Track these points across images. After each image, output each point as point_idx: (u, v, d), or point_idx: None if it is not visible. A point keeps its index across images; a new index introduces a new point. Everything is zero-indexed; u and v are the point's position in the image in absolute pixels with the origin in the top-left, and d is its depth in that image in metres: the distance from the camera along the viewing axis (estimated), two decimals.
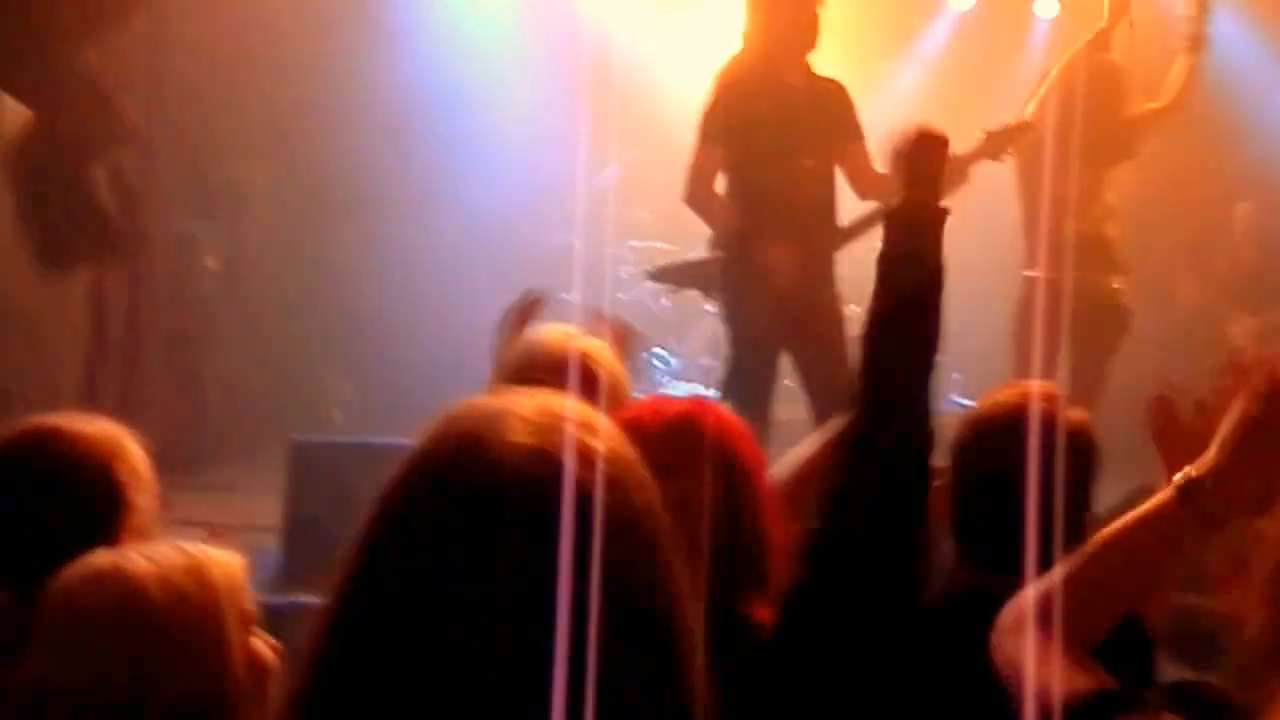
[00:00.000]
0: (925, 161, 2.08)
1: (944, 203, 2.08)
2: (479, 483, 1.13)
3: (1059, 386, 5.43)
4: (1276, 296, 8.28)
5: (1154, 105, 5.89)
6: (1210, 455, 1.63)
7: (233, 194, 9.00)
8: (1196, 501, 1.60)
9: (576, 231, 8.24)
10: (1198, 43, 5.75)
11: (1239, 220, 8.56)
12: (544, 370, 2.35)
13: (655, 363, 9.56)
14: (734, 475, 2.05)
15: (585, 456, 1.13)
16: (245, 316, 8.83)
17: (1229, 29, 8.37)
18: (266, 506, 5.76)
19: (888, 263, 2.03)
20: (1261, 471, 1.61)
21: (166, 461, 2.23)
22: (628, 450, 1.20)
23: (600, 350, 2.50)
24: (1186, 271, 8.41)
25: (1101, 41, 5.84)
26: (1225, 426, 1.63)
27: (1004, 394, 2.42)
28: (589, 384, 2.26)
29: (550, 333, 2.60)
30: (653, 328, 9.41)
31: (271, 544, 5.48)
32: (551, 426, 1.15)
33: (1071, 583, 1.62)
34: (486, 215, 9.18)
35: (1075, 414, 2.37)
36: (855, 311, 9.46)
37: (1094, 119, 5.52)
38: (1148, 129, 6.00)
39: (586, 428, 1.17)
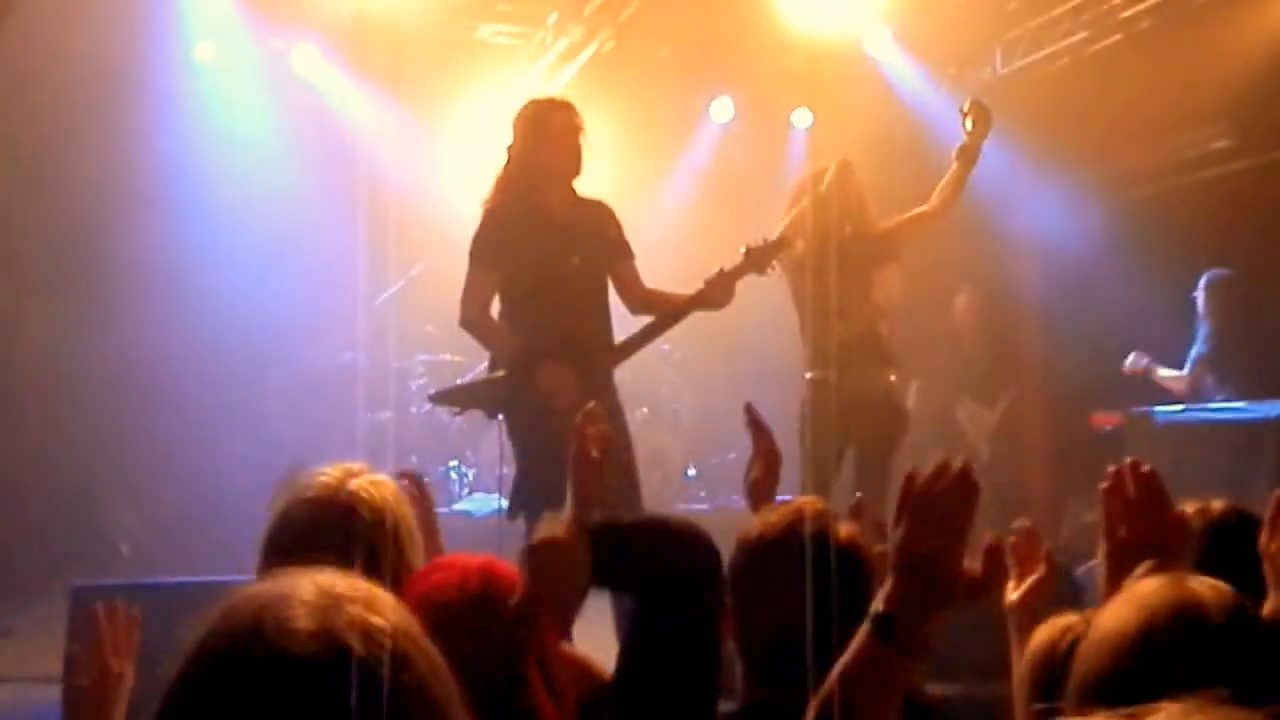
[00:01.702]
0: None
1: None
2: (263, 673, 1.12)
3: (843, 486, 5.70)
4: (999, 383, 8.80)
5: (922, 209, 6.16)
6: (887, 586, 1.74)
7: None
8: (889, 634, 1.70)
9: (359, 347, 8.26)
10: (971, 154, 6.04)
11: (960, 308, 9.06)
12: (313, 525, 2.37)
13: (451, 475, 9.57)
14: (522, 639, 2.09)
15: (368, 635, 1.14)
16: (19, 447, 8.48)
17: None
18: (49, 654, 5.52)
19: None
20: (932, 599, 1.72)
21: None
22: (410, 623, 1.20)
23: (377, 491, 2.47)
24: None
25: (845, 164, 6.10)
26: (890, 555, 1.75)
27: (775, 514, 2.44)
28: (364, 532, 2.32)
29: (328, 475, 2.52)
30: (447, 438, 9.45)
31: (52, 695, 5.23)
32: (332, 607, 1.15)
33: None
34: (273, 335, 9.08)
35: (845, 529, 2.41)
36: (644, 414, 9.60)
37: (848, 225, 5.81)
38: (911, 232, 6.24)
39: (367, 605, 1.17)
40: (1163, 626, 1.57)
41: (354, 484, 2.46)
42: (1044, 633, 2.04)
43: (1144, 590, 1.66)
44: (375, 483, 2.50)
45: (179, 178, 8.92)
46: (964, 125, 6.03)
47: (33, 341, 8.74)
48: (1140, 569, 1.98)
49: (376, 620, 1.16)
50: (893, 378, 6.15)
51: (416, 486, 2.90)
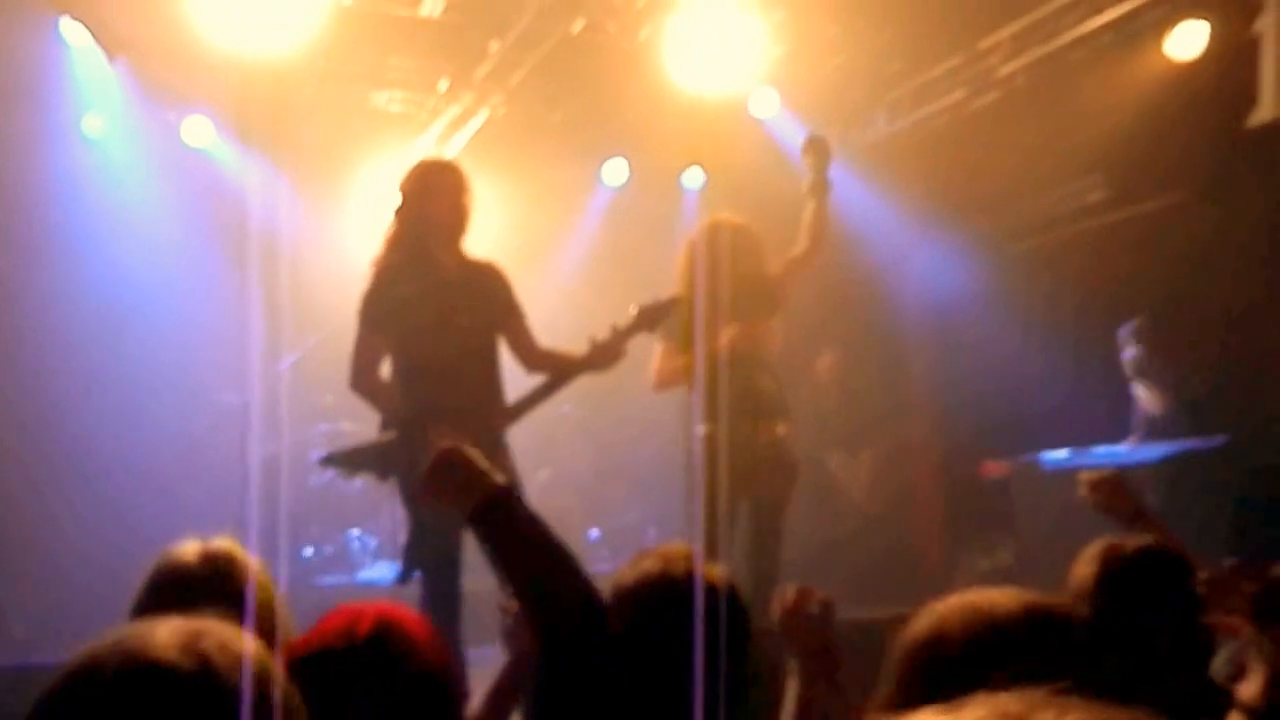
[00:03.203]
0: None
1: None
2: (126, 682, 1.12)
3: (729, 539, 5.70)
4: (861, 437, 8.96)
5: (795, 253, 6.19)
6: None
7: None
8: None
9: (252, 422, 8.15)
10: (820, 188, 6.16)
11: (822, 369, 9.26)
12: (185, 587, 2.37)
13: (354, 544, 9.52)
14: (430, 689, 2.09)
15: (231, 653, 1.15)
16: None
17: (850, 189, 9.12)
18: None
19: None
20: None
21: None
22: (272, 661, 1.21)
23: (247, 561, 2.49)
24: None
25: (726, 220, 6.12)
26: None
27: (646, 561, 2.45)
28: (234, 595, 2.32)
29: (196, 545, 2.55)
30: (348, 507, 9.38)
31: None
32: (195, 632, 1.16)
33: None
34: (166, 409, 8.98)
35: (713, 572, 2.42)
36: (546, 477, 9.58)
37: (738, 280, 5.79)
38: (792, 279, 6.22)
39: (231, 635, 1.19)
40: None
41: (217, 552, 2.50)
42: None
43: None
44: (243, 554, 2.52)
45: (70, 250, 8.83)
46: (805, 163, 6.17)
47: None
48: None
49: (239, 645, 1.17)
50: (781, 430, 6.08)
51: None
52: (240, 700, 1.10)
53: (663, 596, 2.32)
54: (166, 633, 1.16)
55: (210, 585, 2.37)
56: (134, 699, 1.11)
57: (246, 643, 1.19)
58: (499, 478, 2.53)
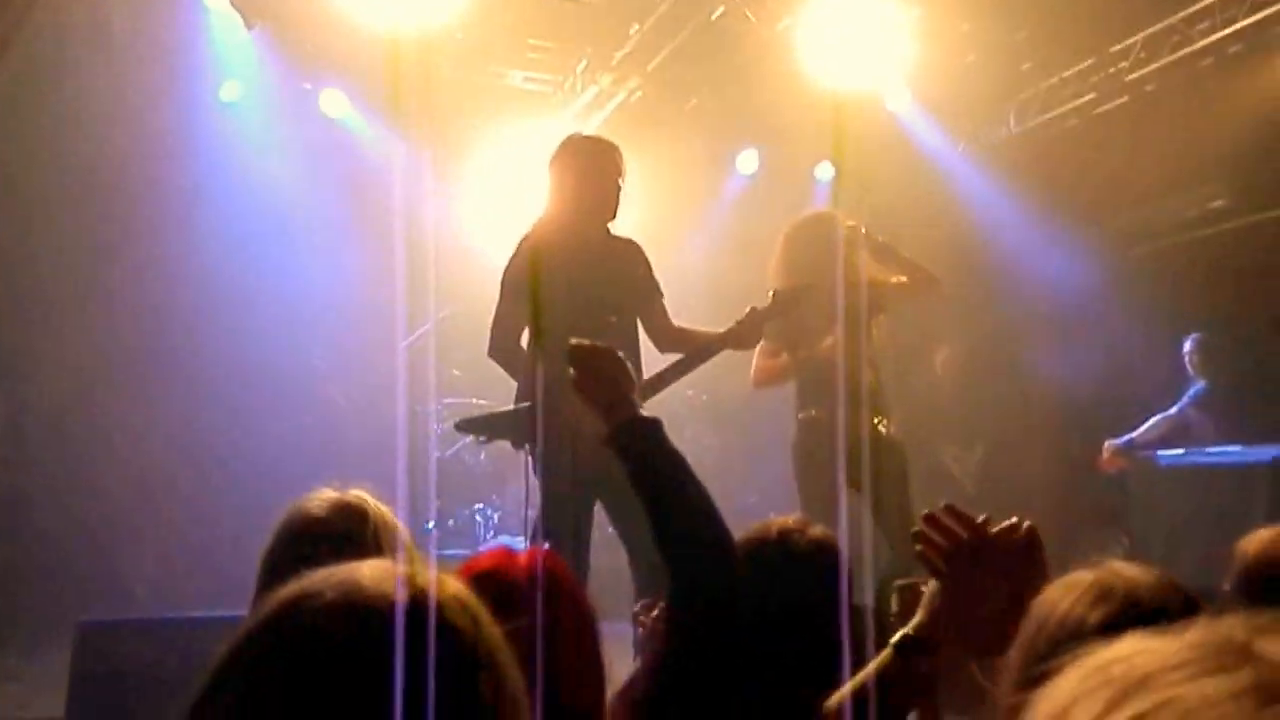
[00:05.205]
0: None
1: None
2: (346, 616, 1.10)
3: (847, 518, 5.73)
4: (975, 430, 8.97)
5: (898, 279, 6.08)
6: (918, 615, 1.95)
7: (17, 359, 8.56)
8: (909, 656, 1.91)
9: (399, 392, 8.22)
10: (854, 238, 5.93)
11: (939, 363, 9.29)
12: (322, 535, 2.38)
13: (477, 518, 9.57)
14: (571, 621, 2.12)
15: (447, 590, 1.14)
16: (31, 491, 8.31)
17: (978, 189, 9.18)
18: (54, 697, 5.16)
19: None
20: (956, 624, 1.91)
21: None
22: (468, 592, 1.21)
23: (381, 506, 2.51)
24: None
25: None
26: (929, 588, 1.94)
27: (753, 530, 2.61)
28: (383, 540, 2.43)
29: (329, 493, 2.54)
30: (472, 482, 9.48)
31: None
32: (400, 575, 1.14)
33: None
34: (294, 378, 9.11)
35: (816, 531, 2.59)
36: None
37: (844, 277, 5.78)
38: (895, 294, 6.13)
39: (437, 578, 1.16)
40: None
41: (352, 499, 2.48)
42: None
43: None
44: (371, 500, 2.51)
45: (208, 220, 8.97)
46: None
47: (46, 379, 8.59)
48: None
49: (452, 585, 1.16)
50: (882, 426, 6.02)
51: None
52: (458, 637, 1.11)
53: (775, 554, 2.49)
54: (375, 571, 1.14)
55: (343, 534, 2.35)
56: (350, 630, 1.08)
57: (452, 581, 1.19)
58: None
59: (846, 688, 1.91)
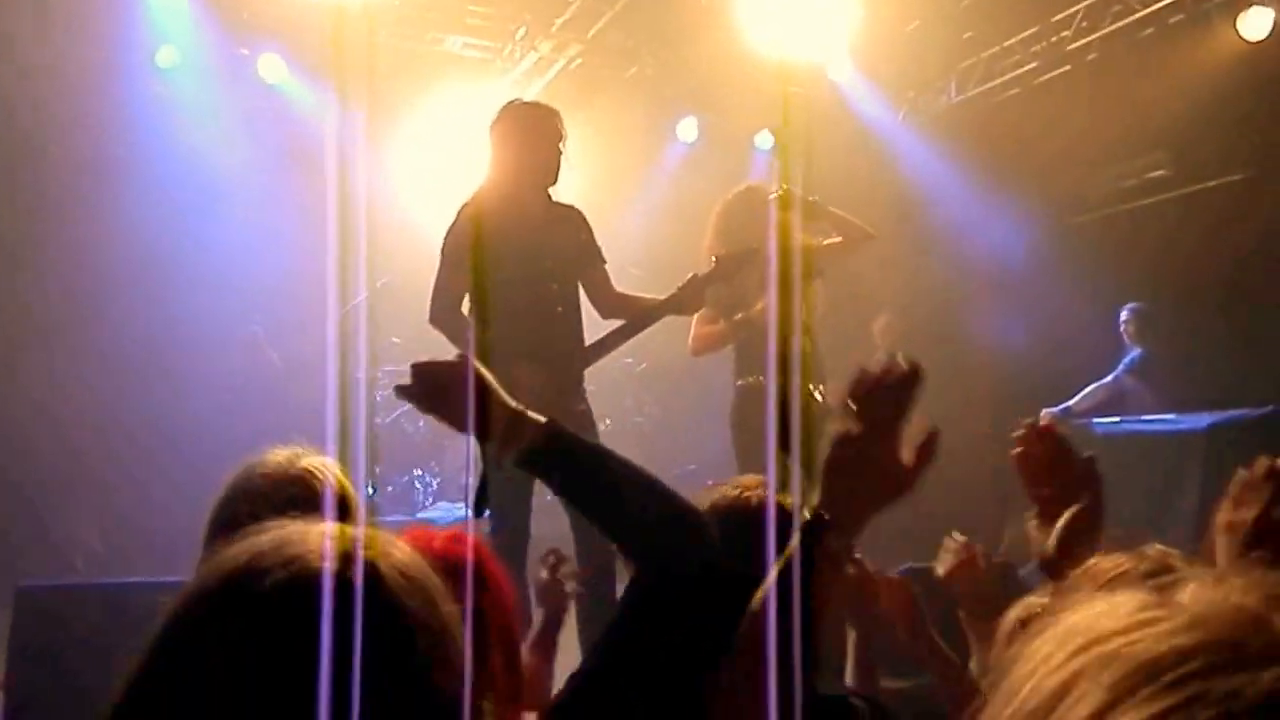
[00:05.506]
0: None
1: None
2: (288, 581, 1.09)
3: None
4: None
5: (830, 241, 6.04)
6: (817, 495, 1.91)
7: None
8: (817, 537, 1.84)
9: (329, 357, 8.18)
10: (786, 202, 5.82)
11: (877, 331, 9.33)
12: (272, 494, 2.31)
13: (415, 485, 9.59)
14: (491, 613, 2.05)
15: (393, 560, 1.13)
16: None
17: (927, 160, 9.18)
18: None
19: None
20: (864, 496, 1.89)
21: None
22: (419, 560, 1.21)
23: (332, 467, 2.46)
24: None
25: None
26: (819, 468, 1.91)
27: (721, 488, 2.58)
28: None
29: (279, 453, 2.47)
30: (411, 448, 9.47)
31: None
32: (349, 538, 1.13)
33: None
34: (232, 344, 9.08)
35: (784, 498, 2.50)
36: (607, 427, 9.75)
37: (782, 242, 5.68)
38: (826, 252, 6.08)
39: (385, 541, 1.16)
40: None
41: (307, 460, 2.42)
42: (1017, 610, 2.19)
43: None
44: (326, 462, 2.44)
45: (144, 185, 8.89)
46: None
47: None
48: (1068, 513, 2.16)
49: (391, 549, 1.15)
50: (817, 393, 5.96)
51: None
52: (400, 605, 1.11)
53: (742, 518, 2.42)
54: (317, 538, 1.13)
55: (294, 495, 2.27)
56: (295, 603, 1.07)
57: (401, 547, 1.18)
58: (534, 415, 2.25)
59: (768, 580, 1.83)
